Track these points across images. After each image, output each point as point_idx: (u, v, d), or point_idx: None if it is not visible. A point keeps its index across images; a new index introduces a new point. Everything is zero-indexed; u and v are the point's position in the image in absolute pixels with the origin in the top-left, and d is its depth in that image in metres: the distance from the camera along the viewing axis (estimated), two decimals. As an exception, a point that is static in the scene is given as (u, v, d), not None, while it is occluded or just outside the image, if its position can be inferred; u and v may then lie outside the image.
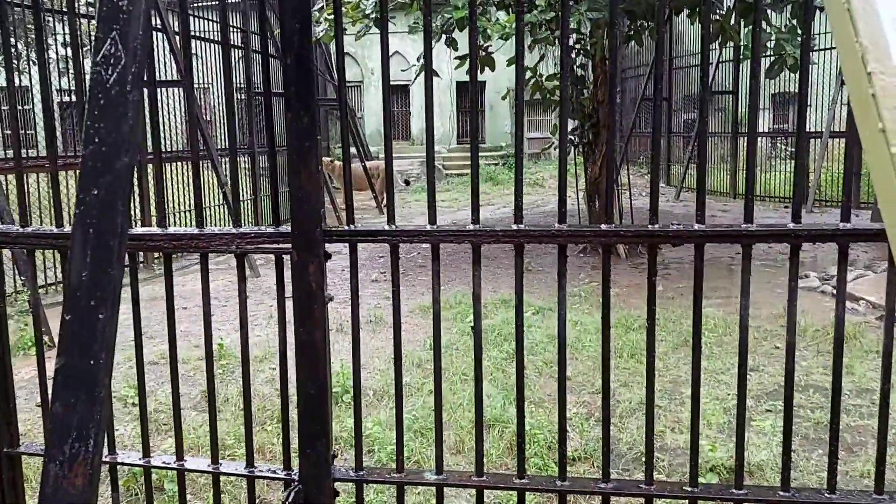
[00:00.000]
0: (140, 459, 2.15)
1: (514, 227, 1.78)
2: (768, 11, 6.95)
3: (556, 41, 7.12)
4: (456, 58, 8.42)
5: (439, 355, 1.89)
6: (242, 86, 11.80)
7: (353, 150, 18.37)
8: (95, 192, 1.08)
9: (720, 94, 15.42)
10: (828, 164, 13.56)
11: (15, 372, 4.40)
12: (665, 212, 12.29)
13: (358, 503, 1.92)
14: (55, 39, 8.93)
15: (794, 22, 6.48)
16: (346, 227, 1.85)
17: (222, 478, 3.40)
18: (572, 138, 8.35)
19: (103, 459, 2.13)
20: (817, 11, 6.60)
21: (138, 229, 1.94)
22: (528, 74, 8.24)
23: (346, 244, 1.86)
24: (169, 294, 2.07)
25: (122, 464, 2.18)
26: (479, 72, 6.94)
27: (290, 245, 1.85)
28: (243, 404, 2.04)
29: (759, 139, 15.83)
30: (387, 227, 1.83)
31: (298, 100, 1.77)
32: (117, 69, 1.11)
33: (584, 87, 8.23)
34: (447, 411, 3.89)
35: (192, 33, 8.94)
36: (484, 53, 8.02)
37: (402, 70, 17.96)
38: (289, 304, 1.89)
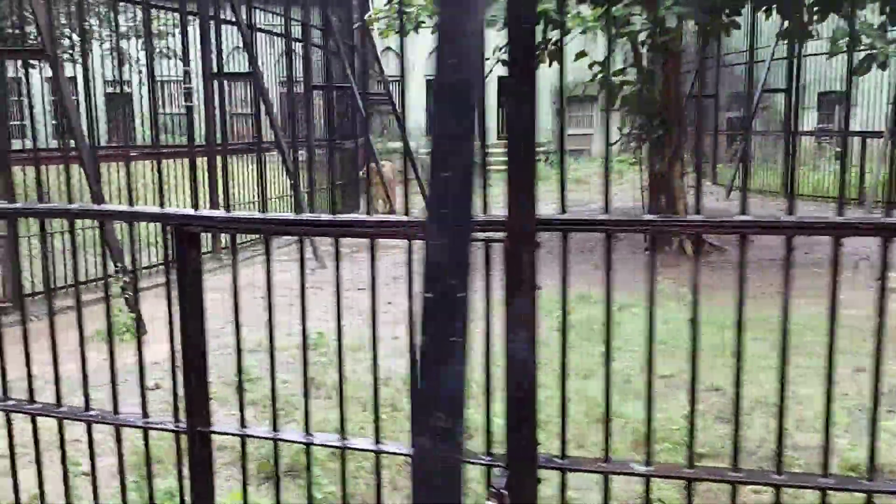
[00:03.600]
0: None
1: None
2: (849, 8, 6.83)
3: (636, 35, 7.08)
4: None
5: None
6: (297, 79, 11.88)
7: (394, 144, 18.41)
8: (443, 182, 1.11)
9: (771, 91, 15.20)
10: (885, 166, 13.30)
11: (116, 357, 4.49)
12: (722, 210, 12.18)
13: (562, 492, 1.93)
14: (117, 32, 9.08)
15: (884, 18, 6.36)
16: (559, 216, 1.86)
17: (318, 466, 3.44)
18: (639, 134, 8.31)
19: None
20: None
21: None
22: (596, 69, 8.20)
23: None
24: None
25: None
26: (546, 66, 6.88)
27: (494, 233, 1.86)
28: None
29: (805, 137, 15.66)
30: (603, 217, 1.84)
31: (520, 88, 1.78)
32: (460, 67, 1.13)
33: (654, 83, 8.17)
34: (552, 406, 3.91)
35: (260, 26, 9.03)
36: (553, 47, 8.00)
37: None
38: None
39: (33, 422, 2.31)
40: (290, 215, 1.99)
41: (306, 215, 1.98)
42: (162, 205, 2.06)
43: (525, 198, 1.81)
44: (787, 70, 14.02)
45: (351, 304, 6.18)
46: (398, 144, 17.75)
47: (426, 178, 1.77)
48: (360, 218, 1.93)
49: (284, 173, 8.59)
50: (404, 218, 1.92)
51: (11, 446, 2.34)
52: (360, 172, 12.03)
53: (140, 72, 9.04)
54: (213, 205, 7.92)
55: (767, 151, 15.95)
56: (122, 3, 7.87)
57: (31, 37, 8.33)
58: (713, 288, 6.58)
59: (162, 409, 4.02)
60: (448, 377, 1.06)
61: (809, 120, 16.77)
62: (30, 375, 2.29)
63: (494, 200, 1.90)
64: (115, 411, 2.24)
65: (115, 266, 5.40)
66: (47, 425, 2.36)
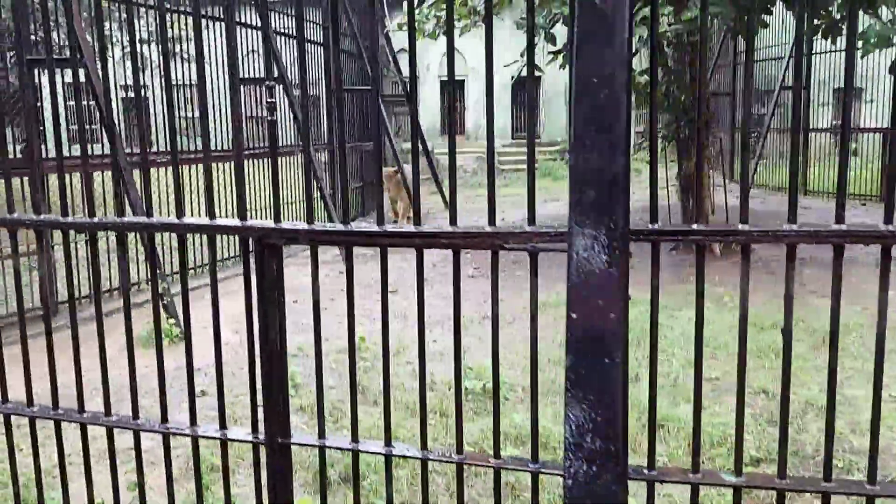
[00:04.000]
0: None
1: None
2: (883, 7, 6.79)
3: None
4: (550, 52, 8.39)
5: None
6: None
7: (409, 146, 18.38)
8: (592, 194, 1.10)
9: (788, 88, 15.12)
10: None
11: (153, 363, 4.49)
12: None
13: (649, 503, 1.92)
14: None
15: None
16: (650, 227, 1.85)
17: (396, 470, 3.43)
18: (665, 133, 8.27)
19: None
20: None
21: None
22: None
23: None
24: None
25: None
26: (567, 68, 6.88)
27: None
28: (532, 395, 2.05)
29: (823, 134, 15.58)
30: (695, 227, 1.83)
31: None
32: (606, 72, 1.12)
33: (682, 82, 8.13)
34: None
35: (282, 30, 9.03)
36: (579, 49, 7.96)
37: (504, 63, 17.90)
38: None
39: (109, 434, 2.32)
40: (373, 227, 1.98)
41: (389, 227, 1.98)
42: (243, 216, 2.06)
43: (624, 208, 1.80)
44: (806, 67, 13.86)
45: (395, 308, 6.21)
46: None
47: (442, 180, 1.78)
48: (446, 229, 1.93)
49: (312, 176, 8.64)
50: (489, 228, 1.92)
51: (86, 456, 2.35)
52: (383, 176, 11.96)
53: (160, 76, 9.08)
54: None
55: (784, 148, 15.85)
56: (140, 9, 7.91)
57: (55, 43, 8.38)
58: (756, 284, 6.56)
59: (212, 416, 4.04)
60: (602, 402, 1.05)
61: (825, 116, 16.67)
62: (106, 388, 2.30)
63: (509, 202, 1.87)
64: (193, 423, 2.25)
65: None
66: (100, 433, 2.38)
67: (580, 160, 1.10)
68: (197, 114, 10.16)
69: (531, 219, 1.90)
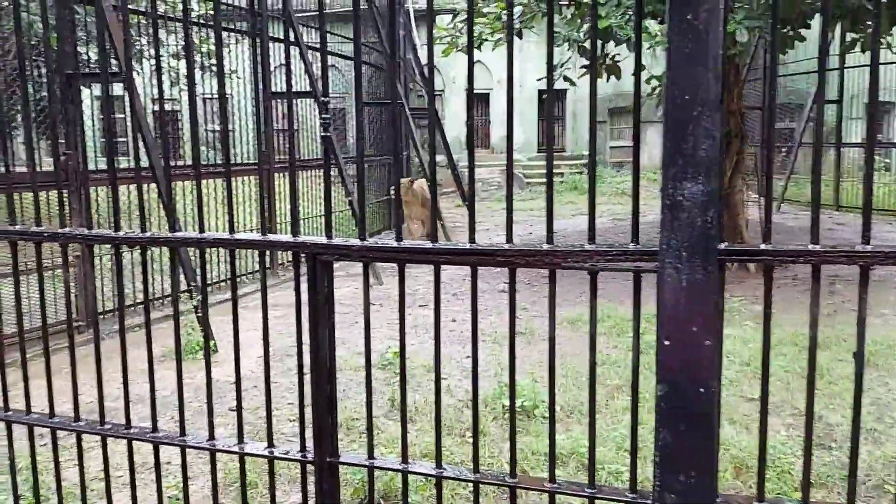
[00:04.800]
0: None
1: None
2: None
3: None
4: (583, 67, 8.34)
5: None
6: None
7: (438, 158, 18.38)
8: (685, 216, 1.05)
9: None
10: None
11: (190, 375, 4.49)
12: (778, 224, 11.91)
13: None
14: (166, 49, 9.27)
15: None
16: (763, 246, 1.77)
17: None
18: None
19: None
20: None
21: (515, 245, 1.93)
22: (654, 83, 8.11)
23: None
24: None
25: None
26: (605, 80, 6.74)
27: (645, 262, 1.80)
28: (590, 413, 2.00)
29: (853, 150, 15.33)
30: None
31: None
32: (699, 89, 1.08)
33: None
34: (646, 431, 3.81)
35: (312, 44, 9.11)
36: (611, 62, 7.93)
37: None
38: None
39: (155, 450, 2.31)
40: (426, 243, 1.95)
41: (442, 243, 1.95)
42: (295, 233, 2.04)
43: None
44: (839, 81, 13.72)
45: (416, 321, 6.20)
46: (439, 158, 17.77)
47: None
48: (502, 246, 1.89)
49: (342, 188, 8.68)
50: (546, 246, 1.87)
51: (132, 471, 2.34)
52: (391, 189, 11.93)
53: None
54: (272, 223, 7.97)
55: (809, 164, 15.61)
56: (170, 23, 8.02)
57: (89, 59, 8.53)
58: (793, 303, 6.39)
59: (246, 431, 4.02)
60: (698, 433, 1.01)
61: (857, 131, 16.43)
62: (153, 405, 2.28)
63: (536, 215, 1.79)
64: (240, 440, 2.23)
65: (189, 285, 5.45)
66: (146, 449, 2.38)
67: (672, 180, 1.06)
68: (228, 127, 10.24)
69: (591, 236, 1.86)
